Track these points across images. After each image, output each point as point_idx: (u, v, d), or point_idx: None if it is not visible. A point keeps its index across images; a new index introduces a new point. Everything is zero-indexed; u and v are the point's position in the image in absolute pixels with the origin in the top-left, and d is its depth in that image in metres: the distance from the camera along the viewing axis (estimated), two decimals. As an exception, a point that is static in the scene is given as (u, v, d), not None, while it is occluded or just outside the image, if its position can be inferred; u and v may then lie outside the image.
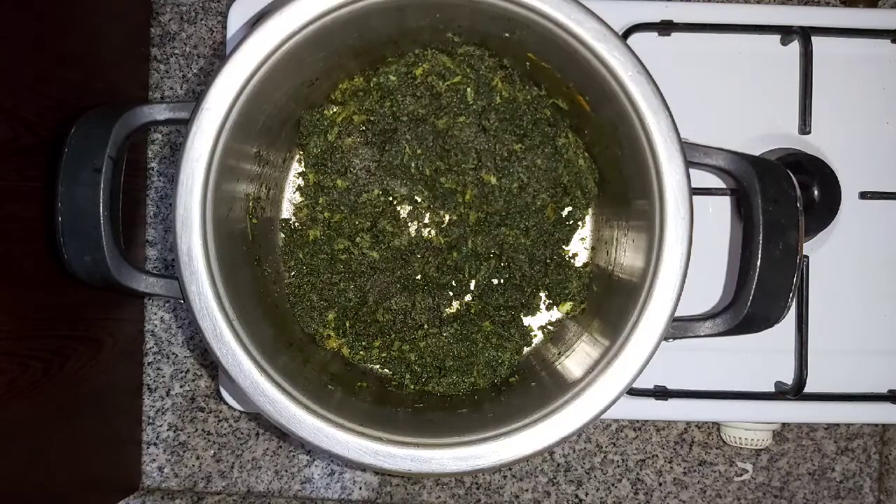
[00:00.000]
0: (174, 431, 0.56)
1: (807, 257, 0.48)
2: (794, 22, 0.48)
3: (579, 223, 0.47)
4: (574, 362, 0.40)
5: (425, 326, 0.46)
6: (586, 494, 0.57)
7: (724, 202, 0.49)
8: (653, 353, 0.36)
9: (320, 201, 0.46)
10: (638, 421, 0.57)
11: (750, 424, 0.51)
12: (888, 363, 0.49)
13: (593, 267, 0.47)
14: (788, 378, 0.48)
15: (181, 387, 0.56)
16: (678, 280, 0.36)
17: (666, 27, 0.48)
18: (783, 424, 0.56)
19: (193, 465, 0.56)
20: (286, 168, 0.47)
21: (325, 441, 0.36)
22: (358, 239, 0.46)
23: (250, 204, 0.43)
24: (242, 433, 0.56)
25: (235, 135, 0.37)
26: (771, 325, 0.38)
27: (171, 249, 0.36)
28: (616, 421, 0.57)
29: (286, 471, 0.56)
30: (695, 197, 0.36)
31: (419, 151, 0.44)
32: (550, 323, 0.47)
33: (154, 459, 0.56)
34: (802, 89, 0.48)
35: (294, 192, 0.47)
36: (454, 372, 0.45)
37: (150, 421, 0.56)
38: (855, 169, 0.49)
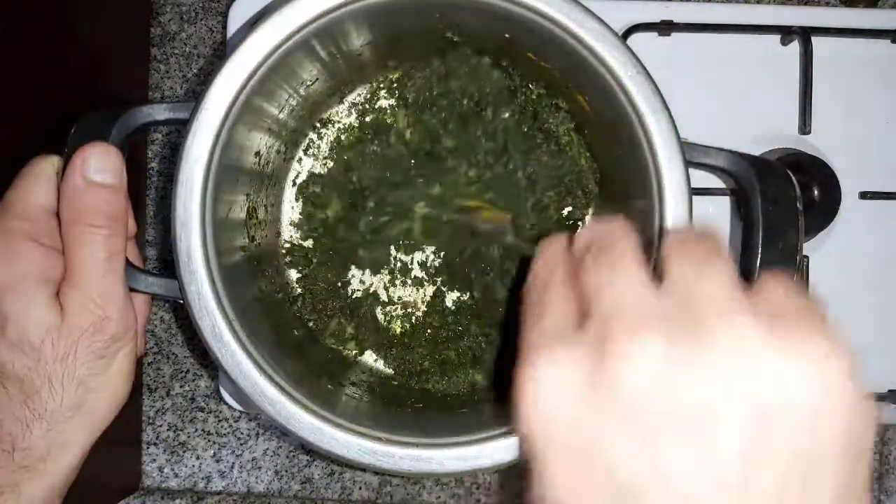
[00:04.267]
0: (174, 431, 0.56)
1: (807, 257, 0.48)
2: (794, 22, 0.48)
3: (579, 223, 0.47)
4: (574, 362, 0.40)
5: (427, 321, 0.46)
6: (586, 494, 0.57)
7: (724, 202, 0.49)
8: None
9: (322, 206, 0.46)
10: (638, 421, 0.57)
11: (750, 424, 0.51)
12: (888, 363, 0.49)
13: (593, 267, 0.47)
14: (788, 378, 0.48)
15: (181, 387, 0.56)
16: (678, 280, 0.36)
17: (666, 27, 0.48)
18: (783, 424, 0.56)
19: (193, 465, 0.56)
20: (286, 168, 0.47)
21: (325, 441, 0.36)
22: (359, 240, 0.46)
23: (250, 204, 0.43)
24: (242, 433, 0.56)
25: (235, 135, 0.37)
26: (771, 325, 0.38)
27: (171, 249, 0.36)
28: (616, 421, 0.57)
29: (286, 471, 0.56)
30: (695, 197, 0.36)
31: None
32: (550, 323, 0.47)
33: (154, 459, 0.56)
34: (802, 89, 0.48)
35: (293, 192, 0.47)
36: (456, 370, 0.45)
37: (150, 421, 0.56)
38: (855, 169, 0.49)
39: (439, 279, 0.47)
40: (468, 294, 0.47)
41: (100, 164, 0.35)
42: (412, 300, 0.47)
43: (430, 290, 0.47)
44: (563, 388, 0.22)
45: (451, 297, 0.47)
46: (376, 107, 0.46)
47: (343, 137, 0.46)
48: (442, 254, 0.46)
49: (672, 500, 0.20)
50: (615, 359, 0.21)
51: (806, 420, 0.20)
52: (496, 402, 0.42)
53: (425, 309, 0.47)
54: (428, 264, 0.47)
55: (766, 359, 0.20)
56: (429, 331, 0.46)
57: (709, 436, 0.20)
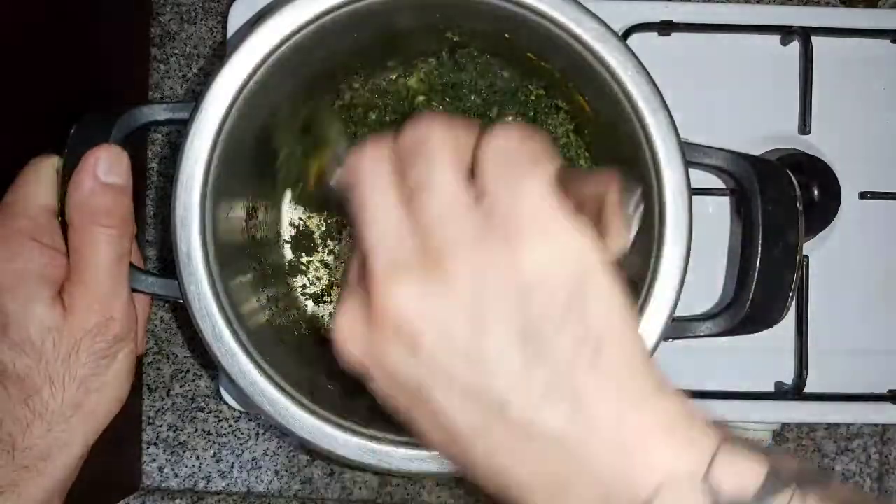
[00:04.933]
0: (174, 431, 0.56)
1: (807, 257, 0.48)
2: (794, 22, 0.48)
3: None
4: (574, 362, 0.40)
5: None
6: (586, 494, 0.57)
7: (724, 202, 0.49)
8: (652, 353, 0.36)
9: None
10: (638, 421, 0.57)
11: (750, 424, 0.51)
12: (888, 363, 0.49)
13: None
14: (788, 378, 0.48)
15: (181, 387, 0.56)
16: (678, 280, 0.36)
17: (666, 27, 0.48)
18: (783, 424, 0.56)
19: (193, 465, 0.56)
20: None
21: (325, 441, 0.36)
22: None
23: (250, 204, 0.43)
24: (242, 433, 0.56)
25: (235, 135, 0.37)
26: (771, 326, 0.38)
27: (171, 249, 0.36)
28: (616, 421, 0.57)
29: (286, 471, 0.56)
30: (695, 197, 0.36)
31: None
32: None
33: (154, 459, 0.56)
34: (802, 89, 0.48)
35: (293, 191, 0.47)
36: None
37: (150, 421, 0.56)
38: (855, 169, 0.49)
39: None
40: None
41: (111, 166, 0.35)
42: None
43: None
44: (351, 323, 0.26)
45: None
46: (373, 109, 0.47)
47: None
48: None
49: (454, 391, 0.24)
50: (376, 297, 0.24)
51: (556, 285, 0.23)
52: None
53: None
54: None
55: (505, 257, 0.23)
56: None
57: (476, 331, 0.23)
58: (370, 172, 0.26)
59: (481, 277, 0.23)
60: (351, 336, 0.26)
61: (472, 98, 0.44)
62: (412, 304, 0.24)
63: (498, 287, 0.23)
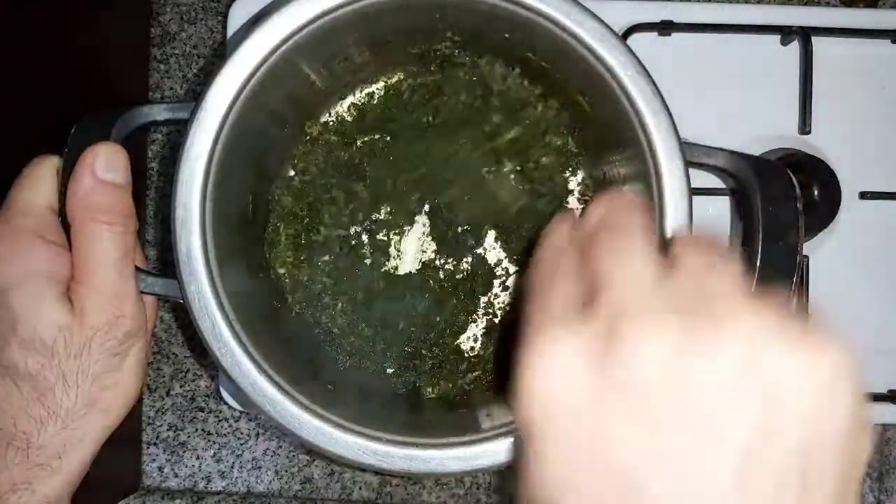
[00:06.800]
0: (174, 431, 0.56)
1: (807, 257, 0.48)
2: (794, 22, 0.48)
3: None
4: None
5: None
6: (586, 494, 0.57)
7: (724, 202, 0.49)
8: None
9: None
10: (638, 421, 0.57)
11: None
12: (888, 363, 0.49)
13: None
14: (788, 378, 0.48)
15: (181, 387, 0.56)
16: (678, 280, 0.36)
17: (666, 27, 0.48)
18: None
19: (193, 465, 0.56)
20: (286, 167, 0.47)
21: (325, 441, 0.36)
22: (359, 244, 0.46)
23: (250, 204, 0.43)
24: (242, 433, 0.56)
25: (235, 135, 0.37)
26: (771, 326, 0.38)
27: (171, 249, 0.36)
28: (616, 421, 0.57)
29: (286, 471, 0.56)
30: (695, 197, 0.36)
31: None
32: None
33: (154, 459, 0.56)
34: (802, 89, 0.48)
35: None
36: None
37: (150, 421, 0.56)
38: (855, 169, 0.49)
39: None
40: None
41: (109, 163, 0.35)
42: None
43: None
44: (566, 371, 0.21)
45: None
46: (375, 107, 0.47)
47: (336, 139, 0.46)
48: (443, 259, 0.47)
49: (671, 493, 0.20)
50: (626, 344, 0.20)
51: (811, 418, 0.20)
52: (496, 403, 0.43)
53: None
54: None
55: (778, 353, 0.20)
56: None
57: (716, 428, 0.20)
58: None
59: (749, 362, 0.20)
60: (559, 385, 0.21)
61: (474, 101, 0.44)
62: (669, 360, 0.20)
63: (761, 380, 0.20)
